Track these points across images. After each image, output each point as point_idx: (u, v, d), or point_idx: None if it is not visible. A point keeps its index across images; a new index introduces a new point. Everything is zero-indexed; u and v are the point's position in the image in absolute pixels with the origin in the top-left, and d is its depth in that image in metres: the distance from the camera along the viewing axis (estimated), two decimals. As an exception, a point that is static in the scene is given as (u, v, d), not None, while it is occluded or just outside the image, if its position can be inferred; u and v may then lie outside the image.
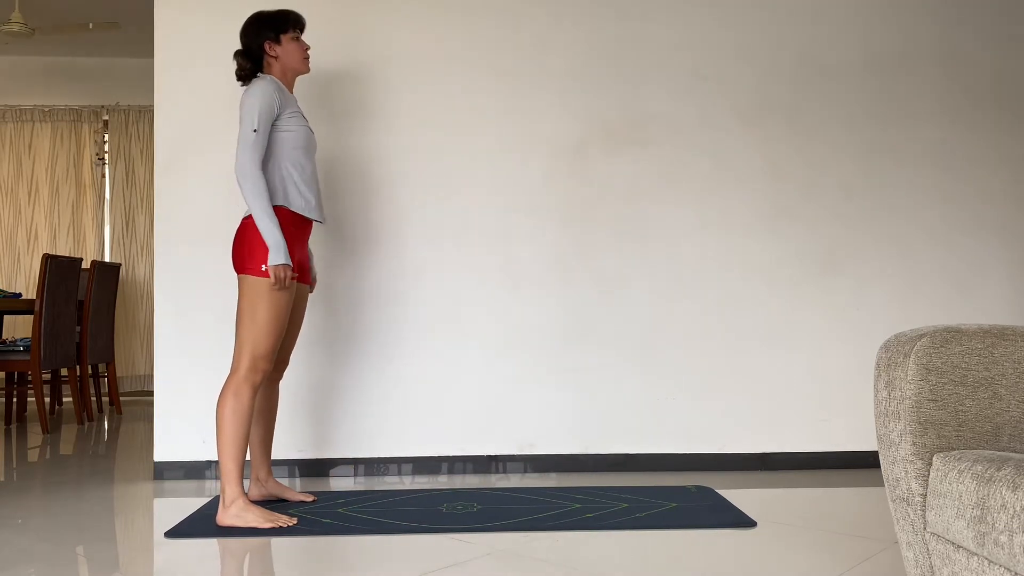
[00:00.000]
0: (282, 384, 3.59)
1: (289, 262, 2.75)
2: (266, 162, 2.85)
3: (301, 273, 2.99)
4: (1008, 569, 1.29)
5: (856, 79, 3.82)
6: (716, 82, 3.78)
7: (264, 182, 2.76)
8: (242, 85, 2.95)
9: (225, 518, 2.71)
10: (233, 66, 3.60)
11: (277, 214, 2.81)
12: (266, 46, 2.93)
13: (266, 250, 2.76)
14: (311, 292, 3.17)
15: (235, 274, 2.91)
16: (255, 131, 2.77)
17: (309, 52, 3.07)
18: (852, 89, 3.82)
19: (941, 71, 3.86)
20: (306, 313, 3.61)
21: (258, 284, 2.76)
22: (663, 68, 3.77)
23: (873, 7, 3.85)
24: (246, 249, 2.79)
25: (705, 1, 3.80)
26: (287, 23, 2.96)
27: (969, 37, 3.87)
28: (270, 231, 2.73)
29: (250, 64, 2.94)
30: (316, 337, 3.63)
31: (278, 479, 3.44)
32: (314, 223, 3.13)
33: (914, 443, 1.53)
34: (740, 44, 3.80)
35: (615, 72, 3.76)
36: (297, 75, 3.03)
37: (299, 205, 2.86)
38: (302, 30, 3.01)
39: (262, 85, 2.83)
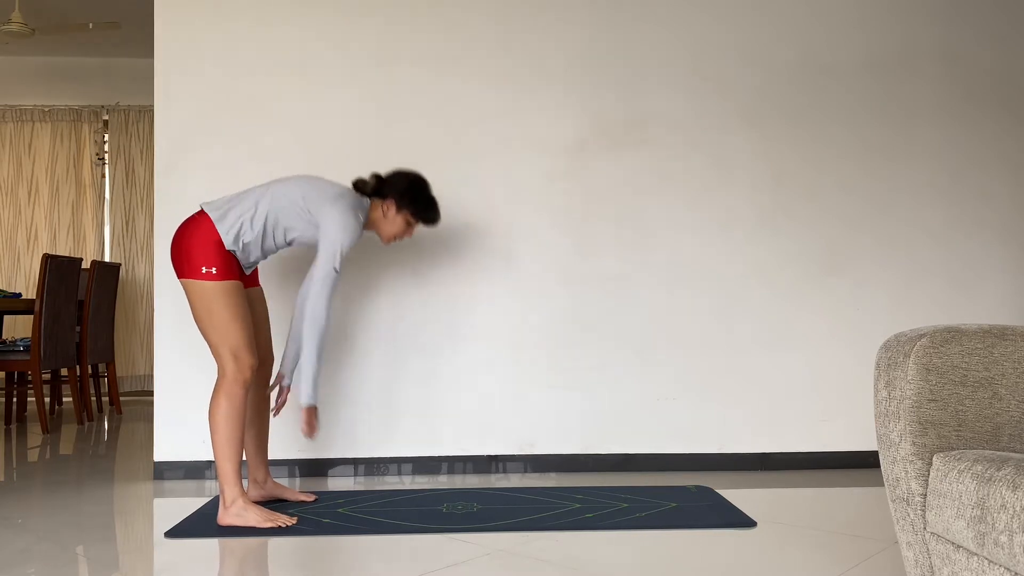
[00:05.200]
0: (282, 384, 3.59)
1: (316, 404, 2.79)
2: (263, 210, 2.78)
3: (247, 277, 2.94)
4: (1008, 569, 1.29)
5: (856, 79, 3.82)
6: (716, 82, 3.78)
7: (328, 325, 2.76)
8: (357, 190, 2.92)
9: (226, 518, 2.71)
10: (234, 64, 3.63)
11: (211, 237, 2.73)
12: (385, 204, 2.92)
13: (204, 252, 2.71)
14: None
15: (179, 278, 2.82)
16: (336, 271, 2.75)
17: (401, 239, 3.02)
18: (852, 89, 3.82)
19: (941, 71, 3.86)
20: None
21: (203, 288, 2.73)
22: (663, 68, 3.77)
23: (874, 7, 3.85)
24: (184, 254, 2.75)
25: (705, 1, 3.80)
26: (418, 208, 2.94)
27: (970, 37, 3.87)
28: (312, 369, 2.75)
29: (370, 189, 2.92)
30: (316, 337, 3.62)
31: (278, 479, 3.44)
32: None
33: (914, 443, 1.53)
34: (740, 44, 3.80)
35: (615, 72, 3.76)
36: (376, 235, 2.97)
37: (237, 253, 2.79)
38: (421, 223, 2.99)
39: (355, 226, 2.79)
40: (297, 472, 3.60)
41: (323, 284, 2.73)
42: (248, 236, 2.79)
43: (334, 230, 2.75)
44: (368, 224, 2.94)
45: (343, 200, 2.80)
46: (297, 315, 2.97)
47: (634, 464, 3.68)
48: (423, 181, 2.98)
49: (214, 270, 2.73)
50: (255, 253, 2.85)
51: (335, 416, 3.63)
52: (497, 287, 3.69)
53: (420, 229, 3.66)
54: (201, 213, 2.80)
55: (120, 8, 6.03)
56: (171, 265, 2.85)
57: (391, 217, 2.93)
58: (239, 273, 2.81)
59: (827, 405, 3.74)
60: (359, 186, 2.94)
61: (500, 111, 3.71)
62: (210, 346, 2.78)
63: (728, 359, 3.73)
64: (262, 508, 2.75)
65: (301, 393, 2.77)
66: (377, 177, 2.95)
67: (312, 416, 2.79)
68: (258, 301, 3.02)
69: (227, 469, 2.73)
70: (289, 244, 2.89)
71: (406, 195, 2.92)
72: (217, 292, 2.73)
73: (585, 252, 3.72)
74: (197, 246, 2.74)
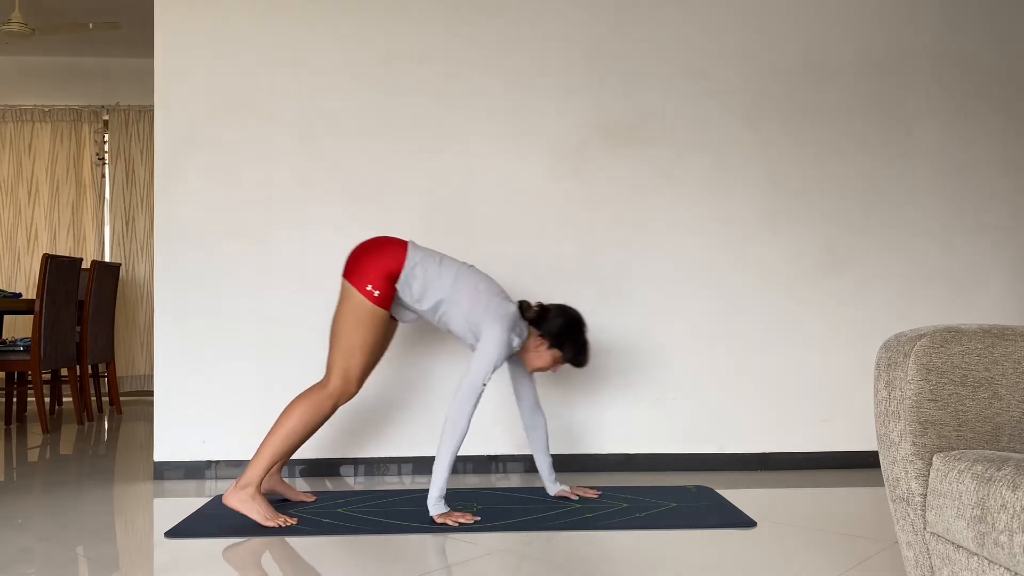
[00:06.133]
0: (283, 383, 3.59)
1: (447, 509, 2.76)
2: (452, 283, 2.85)
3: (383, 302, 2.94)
4: (1008, 569, 1.29)
5: (856, 79, 3.82)
6: (717, 81, 3.78)
7: (466, 433, 2.76)
8: (526, 314, 2.93)
9: (232, 499, 2.72)
10: (235, 64, 3.63)
11: (393, 266, 2.81)
12: (538, 339, 2.94)
13: (378, 275, 2.79)
14: None
15: (346, 281, 2.87)
16: (484, 385, 2.78)
17: (548, 372, 3.03)
18: (852, 89, 3.82)
19: (941, 72, 3.86)
20: (308, 313, 3.62)
21: (360, 302, 2.80)
22: (663, 68, 3.77)
23: (874, 7, 3.85)
24: (362, 263, 2.82)
25: (706, 1, 3.80)
26: (571, 353, 2.96)
27: (969, 38, 3.87)
28: (443, 477, 2.75)
29: (530, 316, 2.94)
30: (317, 338, 3.62)
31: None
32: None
33: (914, 443, 1.53)
34: (741, 44, 3.80)
35: (616, 72, 3.76)
36: (521, 361, 3.03)
37: (405, 296, 2.86)
38: (570, 364, 3.00)
39: (508, 349, 2.83)
40: (298, 472, 3.60)
41: (469, 395, 2.76)
42: (410, 302, 2.87)
43: (492, 347, 2.79)
44: (522, 350, 2.97)
45: (506, 320, 2.84)
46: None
47: (634, 464, 3.68)
48: (579, 324, 2.99)
49: (377, 293, 2.80)
50: (412, 302, 2.90)
51: (336, 417, 3.62)
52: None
53: (416, 223, 3.66)
54: (403, 243, 2.87)
55: (120, 8, 6.04)
56: (345, 260, 2.91)
57: (542, 352, 2.96)
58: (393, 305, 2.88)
59: (827, 405, 3.74)
60: (523, 307, 2.97)
61: (501, 111, 3.71)
62: (331, 351, 2.82)
63: (728, 359, 3.73)
64: (268, 505, 2.75)
65: (430, 504, 2.75)
66: (541, 307, 2.98)
67: (449, 518, 2.73)
68: (392, 330, 3.05)
69: (264, 460, 2.74)
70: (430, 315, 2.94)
71: (561, 337, 2.95)
72: (368, 313, 2.80)
73: (585, 251, 3.72)
74: (377, 265, 2.81)
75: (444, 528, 2.67)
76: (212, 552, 2.49)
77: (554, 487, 3.12)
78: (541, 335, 2.94)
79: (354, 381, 2.83)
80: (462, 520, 2.72)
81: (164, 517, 2.93)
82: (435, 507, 2.74)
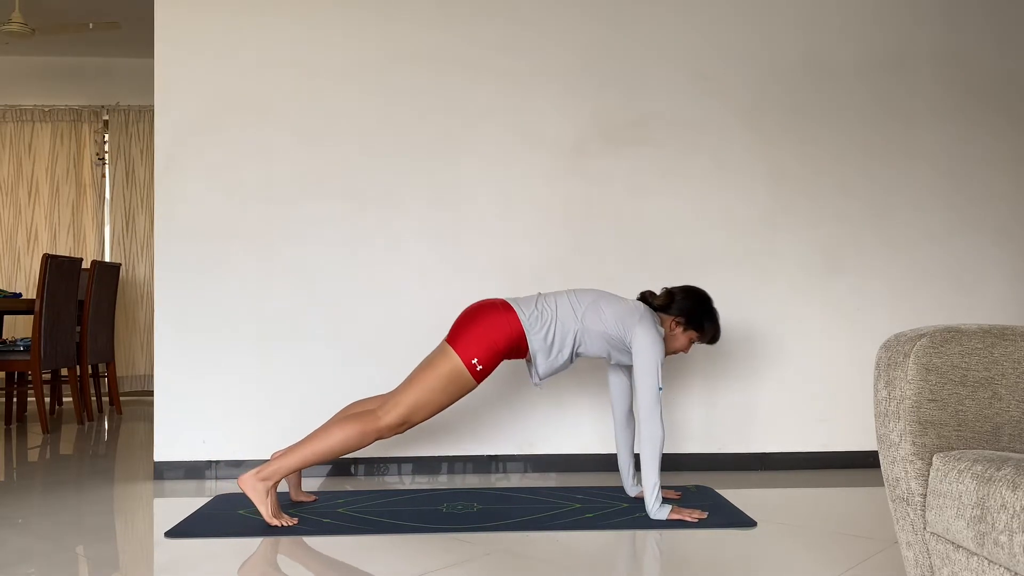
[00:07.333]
0: (283, 383, 3.59)
1: (670, 507, 2.77)
2: (574, 314, 2.87)
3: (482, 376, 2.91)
4: (1008, 569, 1.29)
5: (856, 79, 3.82)
6: (717, 81, 3.78)
7: (664, 438, 2.80)
8: (653, 303, 2.97)
9: (247, 484, 2.72)
10: (235, 64, 3.63)
11: (516, 333, 2.81)
12: (675, 321, 2.95)
13: (484, 349, 2.78)
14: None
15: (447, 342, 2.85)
16: (661, 389, 2.80)
17: (676, 354, 3.08)
18: (852, 89, 3.82)
19: (941, 72, 3.86)
20: (308, 313, 3.62)
21: (459, 371, 2.77)
22: (663, 67, 3.77)
23: (874, 7, 3.85)
24: (472, 334, 2.79)
25: (705, 1, 3.80)
26: (706, 331, 2.97)
27: (969, 38, 3.87)
28: (656, 486, 2.75)
29: (657, 304, 2.96)
30: (317, 337, 3.63)
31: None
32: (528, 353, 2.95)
33: (914, 443, 1.53)
34: (741, 44, 3.80)
35: (616, 72, 3.76)
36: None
37: (540, 351, 2.86)
38: (706, 343, 3.03)
39: (661, 343, 2.84)
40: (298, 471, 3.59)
41: (654, 404, 2.77)
42: (553, 349, 2.87)
43: (649, 352, 2.80)
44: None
45: (646, 320, 2.86)
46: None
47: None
48: (709, 301, 3.00)
49: (480, 368, 2.79)
50: (555, 356, 2.90)
51: (335, 416, 3.62)
52: (497, 286, 3.68)
53: (416, 223, 3.66)
54: (511, 310, 2.85)
55: (120, 8, 6.04)
56: (453, 323, 2.89)
57: (677, 334, 2.98)
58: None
59: (827, 405, 3.74)
60: (647, 298, 2.99)
61: (501, 110, 3.71)
62: (404, 390, 2.79)
63: (728, 359, 3.73)
64: (277, 503, 2.75)
65: (652, 510, 2.75)
66: (667, 292, 3.00)
67: (680, 515, 2.74)
68: None
69: (291, 462, 2.74)
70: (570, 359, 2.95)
71: (694, 317, 2.96)
72: (463, 382, 2.79)
73: (585, 252, 3.71)
74: (490, 341, 2.79)
75: (444, 528, 2.68)
76: (212, 552, 2.50)
77: (635, 488, 3.11)
78: (676, 319, 2.95)
79: (406, 425, 2.81)
80: (698, 516, 2.74)
81: (164, 517, 2.93)
82: (659, 512, 2.74)
